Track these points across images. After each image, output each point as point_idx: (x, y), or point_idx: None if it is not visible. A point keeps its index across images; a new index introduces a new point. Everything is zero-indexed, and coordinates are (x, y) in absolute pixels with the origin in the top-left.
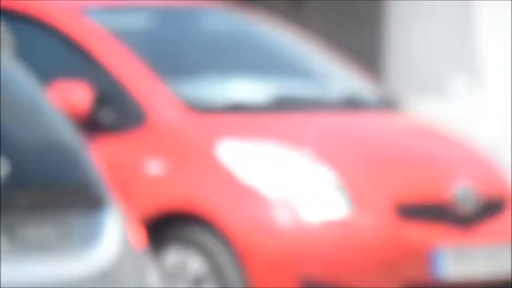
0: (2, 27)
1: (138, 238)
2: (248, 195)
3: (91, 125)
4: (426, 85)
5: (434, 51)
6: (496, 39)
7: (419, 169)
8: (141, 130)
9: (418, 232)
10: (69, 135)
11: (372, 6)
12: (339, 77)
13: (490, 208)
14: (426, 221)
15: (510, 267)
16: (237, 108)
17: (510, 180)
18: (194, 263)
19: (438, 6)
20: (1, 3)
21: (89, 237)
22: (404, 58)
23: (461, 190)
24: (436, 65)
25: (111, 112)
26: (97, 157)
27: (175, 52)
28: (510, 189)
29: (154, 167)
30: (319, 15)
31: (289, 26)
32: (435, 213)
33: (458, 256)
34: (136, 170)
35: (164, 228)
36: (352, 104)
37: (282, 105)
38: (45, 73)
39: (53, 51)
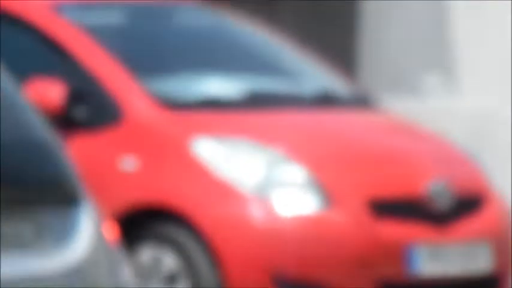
0: None
1: (112, 235)
2: (222, 192)
3: (66, 121)
4: (399, 82)
5: (407, 48)
6: (469, 35)
7: (393, 166)
8: (115, 127)
9: (392, 229)
10: (44, 132)
11: (345, 3)
12: (312, 74)
13: (465, 205)
14: (401, 218)
15: (485, 264)
16: (211, 105)
17: (484, 177)
18: (168, 260)
19: (412, 3)
20: None
21: (64, 234)
22: (378, 55)
23: (436, 187)
24: (410, 62)
25: (86, 109)
26: (72, 154)
27: (149, 49)
28: (485, 186)
29: (128, 164)
30: (292, 12)
31: (262, 23)
32: (410, 210)
33: (433, 253)
34: (111, 167)
35: (139, 225)
36: (325, 100)
37: (256, 102)
38: (20, 70)
39: (28, 48)
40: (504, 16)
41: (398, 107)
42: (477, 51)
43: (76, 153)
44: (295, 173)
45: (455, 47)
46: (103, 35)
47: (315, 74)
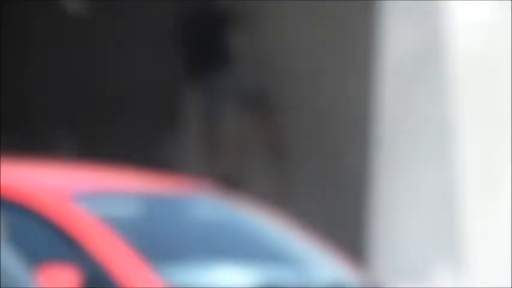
0: None
1: None
2: None
3: None
4: (411, 270)
5: (418, 235)
6: (481, 221)
7: None
8: None
9: None
10: None
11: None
12: (323, 262)
13: None
14: None
15: None
16: None
17: None
18: None
19: (422, 196)
20: None
21: None
22: (389, 242)
23: None
24: (421, 250)
25: None
26: None
27: (163, 239)
28: None
29: None
30: (305, 200)
31: (274, 207)
32: None
33: None
34: None
35: None
36: None
37: None
38: (34, 257)
39: (42, 236)
40: None
41: None
42: (488, 235)
43: None
44: None
45: (466, 237)
46: (118, 225)
47: (325, 262)
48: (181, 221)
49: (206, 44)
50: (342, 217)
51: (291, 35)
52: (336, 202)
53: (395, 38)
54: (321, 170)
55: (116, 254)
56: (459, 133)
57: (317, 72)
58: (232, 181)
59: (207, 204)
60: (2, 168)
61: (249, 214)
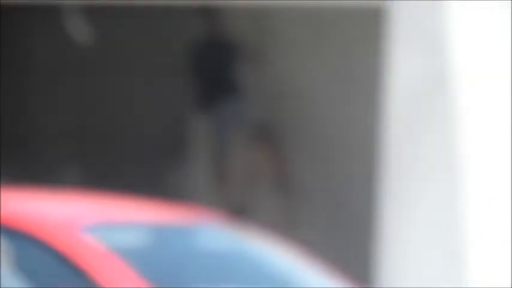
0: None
1: None
2: None
3: None
4: None
5: (427, 270)
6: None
7: None
8: None
9: None
10: None
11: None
12: None
13: None
14: None
15: None
16: None
17: None
18: None
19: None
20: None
21: None
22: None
23: None
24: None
25: None
26: None
27: (170, 268)
28: None
29: None
30: (311, 229)
31: (281, 237)
32: None
33: None
34: None
35: None
36: None
37: None
38: None
39: (50, 266)
40: None
41: None
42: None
43: None
44: None
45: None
46: (126, 255)
47: None
48: (189, 250)
49: (216, 73)
50: (348, 249)
51: (300, 65)
52: (342, 234)
53: (403, 67)
54: (328, 202)
55: (124, 284)
56: (467, 169)
57: (325, 102)
58: (239, 210)
59: (214, 233)
60: (6, 197)
61: (256, 243)
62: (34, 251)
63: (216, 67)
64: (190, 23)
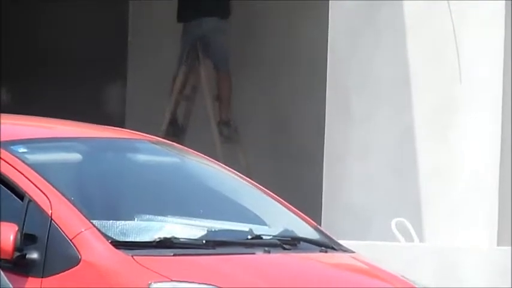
0: None
1: None
2: None
3: (17, 266)
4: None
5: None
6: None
7: None
8: (70, 271)
9: None
10: None
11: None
12: (275, 215)
13: None
14: None
15: None
16: (168, 248)
17: None
18: None
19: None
20: None
21: None
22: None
23: None
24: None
25: (39, 253)
26: None
27: (105, 189)
28: None
29: None
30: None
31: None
32: None
33: None
34: None
35: None
36: (288, 243)
37: (215, 245)
38: None
39: None
40: None
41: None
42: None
43: None
44: None
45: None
46: (55, 174)
47: (277, 216)
48: (124, 169)
49: None
50: (295, 185)
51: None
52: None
53: None
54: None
55: (56, 208)
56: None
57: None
58: (179, 132)
59: (151, 149)
60: None
61: (197, 163)
62: None
63: None
64: None
